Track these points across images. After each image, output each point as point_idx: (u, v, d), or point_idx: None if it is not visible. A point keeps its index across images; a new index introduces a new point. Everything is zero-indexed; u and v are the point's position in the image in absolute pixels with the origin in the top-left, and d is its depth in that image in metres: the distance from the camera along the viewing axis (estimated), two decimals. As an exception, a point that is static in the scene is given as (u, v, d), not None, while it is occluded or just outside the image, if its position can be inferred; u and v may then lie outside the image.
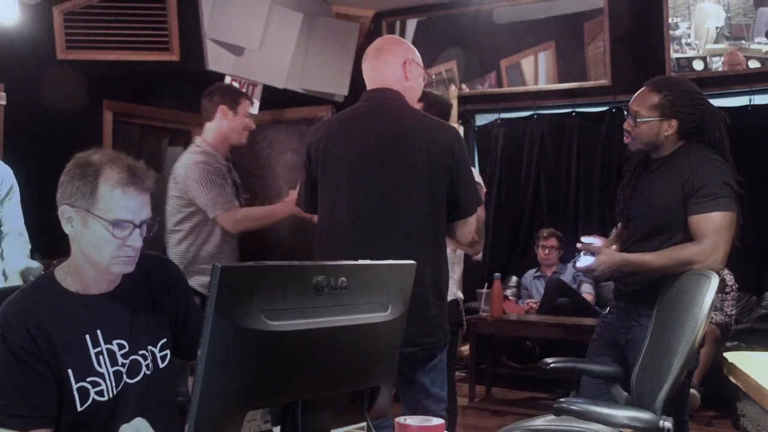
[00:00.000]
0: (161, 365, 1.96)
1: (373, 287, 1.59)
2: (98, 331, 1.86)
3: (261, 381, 1.37)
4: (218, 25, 6.09)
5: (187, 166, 3.65)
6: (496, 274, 5.44)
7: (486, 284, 5.64)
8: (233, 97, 3.82)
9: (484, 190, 3.68)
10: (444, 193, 2.65)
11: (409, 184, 2.62)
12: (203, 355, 1.28)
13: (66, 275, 1.90)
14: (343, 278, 1.48)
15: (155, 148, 7.86)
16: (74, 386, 1.81)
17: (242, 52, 6.28)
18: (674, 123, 2.78)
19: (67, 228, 1.86)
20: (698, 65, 6.01)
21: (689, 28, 6.01)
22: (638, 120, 2.83)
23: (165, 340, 1.98)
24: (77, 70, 5.97)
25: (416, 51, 2.87)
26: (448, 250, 2.91)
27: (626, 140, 2.92)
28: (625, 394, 2.65)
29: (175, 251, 3.60)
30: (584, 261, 2.83)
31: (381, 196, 2.64)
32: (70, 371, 1.80)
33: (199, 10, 6.07)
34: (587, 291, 5.87)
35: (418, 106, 3.17)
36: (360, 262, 1.60)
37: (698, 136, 2.79)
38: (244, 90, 6.43)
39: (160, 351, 1.96)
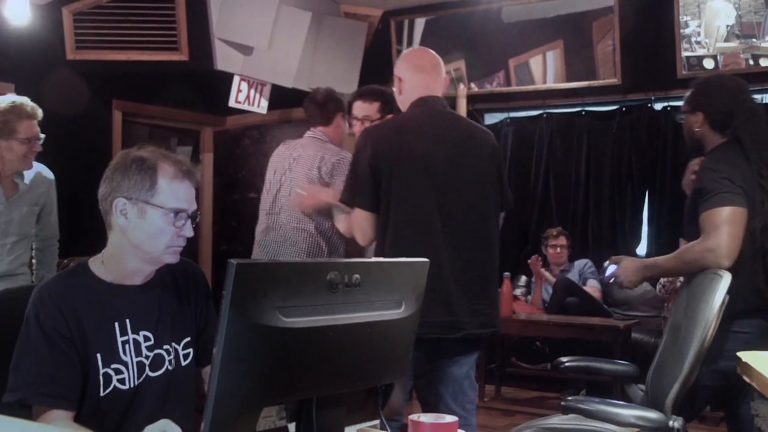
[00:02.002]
0: (183, 363, 2.00)
1: (387, 284, 1.59)
2: (127, 320, 1.92)
3: (276, 378, 1.37)
4: (227, 24, 6.09)
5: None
6: (506, 273, 5.43)
7: (495, 284, 5.62)
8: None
9: None
10: (498, 189, 2.96)
11: (482, 181, 2.90)
12: (219, 352, 1.28)
13: (100, 266, 1.96)
14: (357, 275, 1.48)
15: (164, 148, 7.84)
16: (101, 370, 1.86)
17: (251, 51, 6.29)
18: (701, 116, 2.76)
19: (120, 220, 1.92)
20: (709, 64, 5.98)
21: (699, 26, 5.99)
22: (679, 116, 2.83)
23: (188, 339, 2.03)
24: (86, 70, 5.99)
25: None
26: None
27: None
28: (642, 393, 2.65)
29: None
30: (610, 270, 2.97)
31: (458, 192, 2.85)
32: (98, 355, 1.86)
33: (207, 10, 6.08)
34: (593, 285, 5.86)
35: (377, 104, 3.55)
36: (374, 259, 1.60)
37: (726, 129, 2.76)
38: (252, 90, 6.47)
39: (183, 349, 2.01)
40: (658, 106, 6.20)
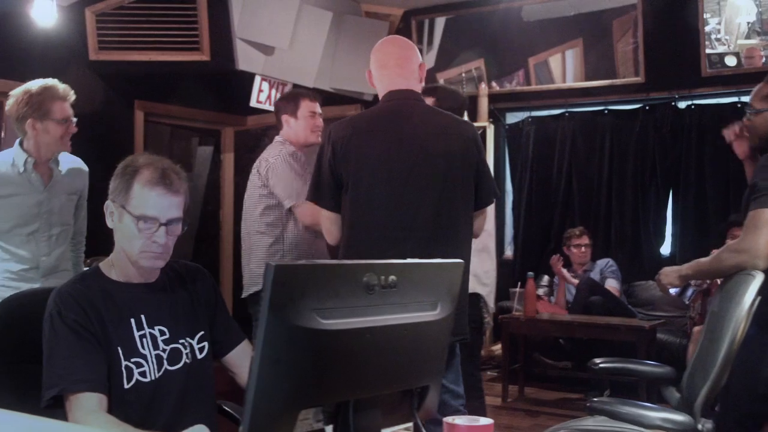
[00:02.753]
0: (199, 356, 2.05)
1: (423, 286, 1.58)
2: (142, 316, 1.98)
3: (314, 380, 1.36)
4: (248, 24, 6.10)
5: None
6: (530, 273, 5.41)
7: (519, 283, 5.60)
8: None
9: None
10: (472, 185, 2.81)
11: (447, 179, 2.75)
12: (257, 354, 1.27)
13: (110, 268, 2.04)
14: (393, 277, 1.47)
15: (185, 147, 7.91)
16: (123, 363, 1.91)
17: (272, 51, 6.30)
18: None
19: (108, 222, 2.02)
20: (731, 61, 5.93)
21: (719, 23, 5.94)
22: (749, 112, 2.75)
23: (203, 332, 2.08)
24: (109, 71, 6.02)
25: None
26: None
27: (745, 134, 2.87)
28: (678, 395, 2.62)
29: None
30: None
31: (419, 192, 2.73)
32: (119, 349, 1.92)
33: (229, 10, 6.09)
34: (612, 285, 5.82)
35: (429, 101, 3.44)
36: (409, 260, 1.58)
37: None
38: (273, 90, 6.47)
39: (198, 342, 2.06)
40: (681, 105, 6.15)
